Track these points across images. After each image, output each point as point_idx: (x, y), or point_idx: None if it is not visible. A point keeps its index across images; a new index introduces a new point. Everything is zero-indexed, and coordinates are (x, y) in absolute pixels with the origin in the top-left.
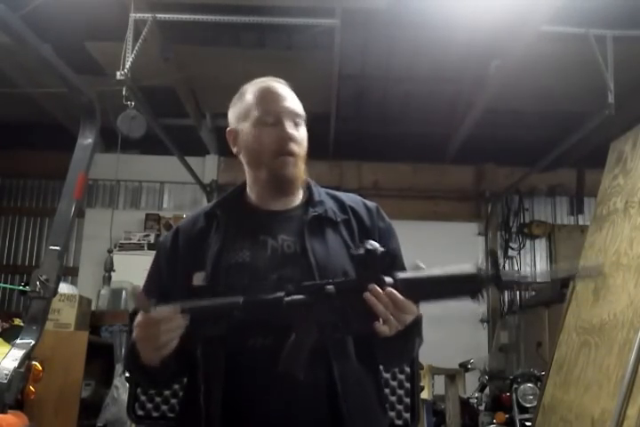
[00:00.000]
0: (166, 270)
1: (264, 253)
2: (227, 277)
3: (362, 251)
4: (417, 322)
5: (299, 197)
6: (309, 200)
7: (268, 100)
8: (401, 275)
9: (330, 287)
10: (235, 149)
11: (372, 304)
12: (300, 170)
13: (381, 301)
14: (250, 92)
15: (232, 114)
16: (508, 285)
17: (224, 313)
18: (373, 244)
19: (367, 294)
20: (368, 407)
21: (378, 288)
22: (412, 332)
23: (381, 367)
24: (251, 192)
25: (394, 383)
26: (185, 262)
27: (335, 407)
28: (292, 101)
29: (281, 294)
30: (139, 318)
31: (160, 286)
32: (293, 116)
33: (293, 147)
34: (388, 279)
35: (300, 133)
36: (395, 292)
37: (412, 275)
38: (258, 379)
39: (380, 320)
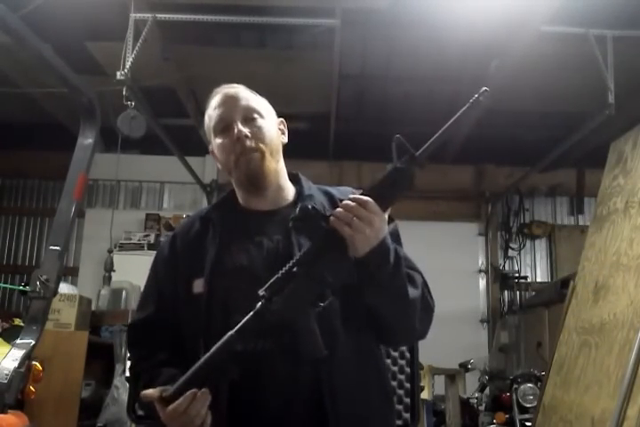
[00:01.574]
0: (165, 278)
1: (261, 256)
2: (225, 283)
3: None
4: (395, 256)
5: (289, 194)
6: (298, 195)
7: (216, 108)
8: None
9: (295, 269)
10: (219, 165)
11: (334, 213)
12: (269, 162)
13: (344, 207)
14: (207, 111)
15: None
16: (425, 155)
17: (229, 356)
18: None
19: (331, 218)
20: (366, 403)
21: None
22: (397, 267)
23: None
24: (238, 197)
25: (394, 383)
26: (184, 269)
27: (325, 404)
28: (236, 102)
29: (259, 304)
30: (161, 412)
31: (160, 296)
32: (245, 112)
33: (249, 143)
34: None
35: (258, 127)
36: (354, 195)
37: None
38: (260, 380)
39: (345, 231)
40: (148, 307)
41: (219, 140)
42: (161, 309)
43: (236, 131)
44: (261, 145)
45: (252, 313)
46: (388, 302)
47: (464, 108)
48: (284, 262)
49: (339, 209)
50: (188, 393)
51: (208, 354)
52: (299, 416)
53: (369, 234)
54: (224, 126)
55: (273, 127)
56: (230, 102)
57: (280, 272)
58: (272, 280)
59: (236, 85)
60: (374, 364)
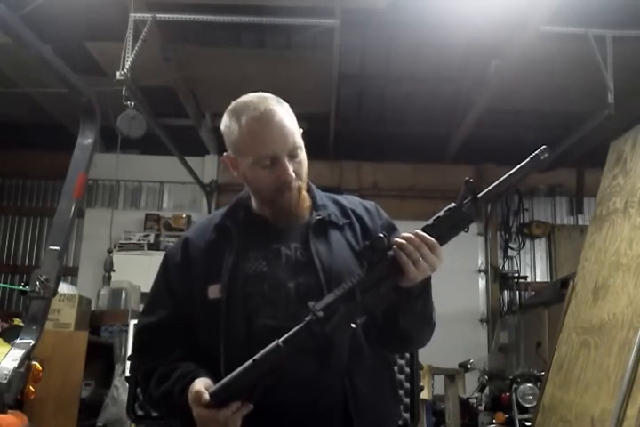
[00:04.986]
0: (177, 282)
1: (280, 262)
2: (245, 288)
3: (366, 244)
4: (429, 283)
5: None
6: (313, 204)
7: (260, 142)
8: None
9: (357, 294)
10: (235, 174)
11: (402, 247)
12: (302, 196)
13: (413, 243)
14: (239, 127)
15: (226, 139)
16: (485, 199)
17: (273, 366)
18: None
19: (397, 240)
20: (382, 404)
21: (407, 234)
22: (429, 292)
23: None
24: (258, 208)
25: None
26: (198, 274)
27: (349, 406)
28: (285, 137)
29: (308, 317)
30: (197, 409)
31: (174, 300)
32: (289, 151)
33: (293, 183)
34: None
35: (299, 163)
36: (423, 233)
37: (412, 232)
38: (287, 381)
39: (409, 269)
40: (158, 310)
41: (257, 170)
42: (174, 312)
43: (288, 171)
44: (300, 183)
45: (301, 326)
46: (416, 325)
47: (525, 162)
48: (303, 269)
49: (408, 246)
50: (234, 406)
51: (252, 362)
52: (322, 417)
53: (427, 274)
54: (271, 159)
55: (305, 154)
56: (277, 134)
57: (337, 292)
58: (330, 299)
59: (272, 102)
60: (387, 369)
